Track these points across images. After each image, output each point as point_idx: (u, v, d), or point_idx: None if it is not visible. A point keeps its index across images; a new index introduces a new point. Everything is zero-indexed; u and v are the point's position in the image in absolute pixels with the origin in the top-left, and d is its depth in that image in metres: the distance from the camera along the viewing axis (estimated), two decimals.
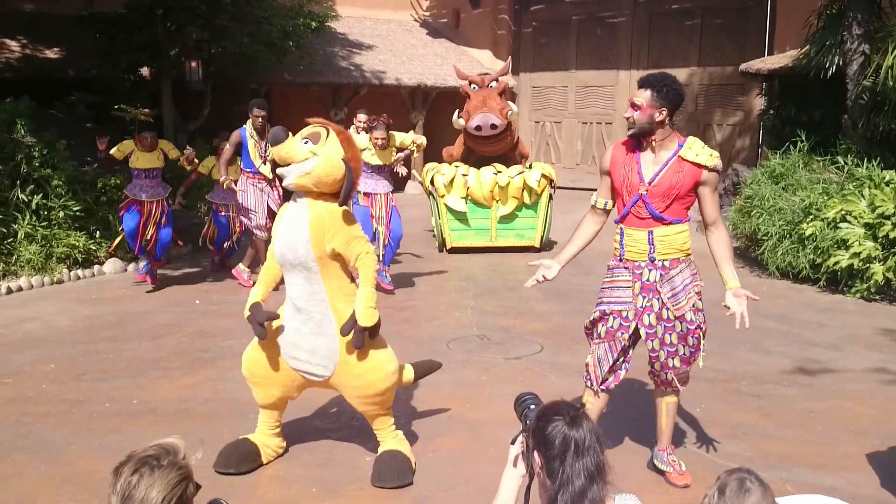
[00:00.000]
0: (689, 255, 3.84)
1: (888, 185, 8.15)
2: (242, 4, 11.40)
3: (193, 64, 11.74)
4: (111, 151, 7.98)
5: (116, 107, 9.47)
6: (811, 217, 8.49)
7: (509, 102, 10.42)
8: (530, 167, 10.77)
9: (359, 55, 15.86)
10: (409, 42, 17.62)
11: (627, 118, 3.78)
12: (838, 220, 8.18)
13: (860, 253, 7.89)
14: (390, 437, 4.17)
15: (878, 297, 7.90)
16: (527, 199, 10.41)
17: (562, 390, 5.22)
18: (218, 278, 8.93)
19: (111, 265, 9.08)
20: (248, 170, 8.23)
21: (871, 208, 8.04)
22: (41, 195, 8.83)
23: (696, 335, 3.82)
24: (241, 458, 4.18)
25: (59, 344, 6.46)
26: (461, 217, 10.43)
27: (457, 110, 10.58)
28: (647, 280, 3.79)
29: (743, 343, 6.49)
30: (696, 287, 3.82)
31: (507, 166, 10.55)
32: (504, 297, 8.21)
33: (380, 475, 3.98)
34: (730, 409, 5.06)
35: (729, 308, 3.69)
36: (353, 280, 4.00)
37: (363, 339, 3.81)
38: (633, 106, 3.73)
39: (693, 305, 3.79)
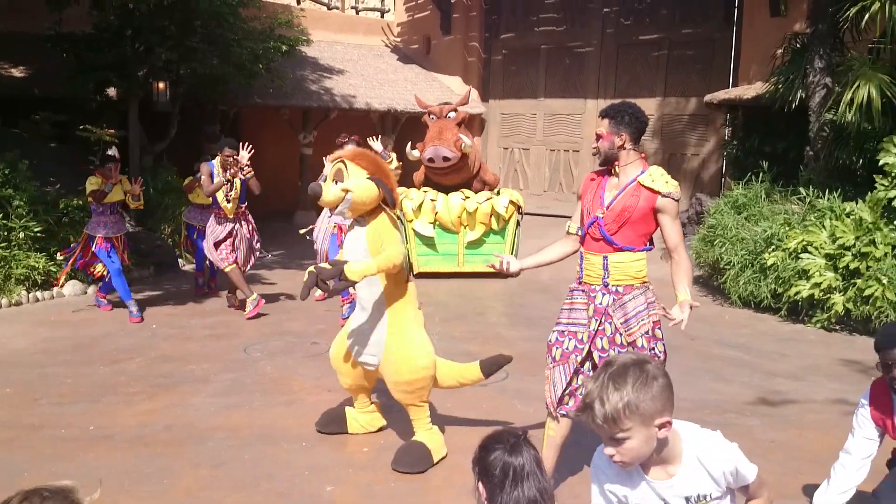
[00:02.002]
0: (644, 282, 3.88)
1: (849, 217, 8.29)
2: (212, 27, 11.36)
3: (161, 85, 11.66)
4: (92, 193, 7.86)
5: (81, 127, 9.39)
6: (773, 247, 8.61)
7: (463, 136, 10.30)
8: (498, 193, 10.82)
9: (329, 79, 15.88)
10: (379, 67, 17.68)
11: (594, 149, 3.89)
12: (799, 251, 8.31)
13: (821, 283, 8.01)
14: (423, 429, 4.65)
15: (837, 327, 8.02)
16: (494, 225, 10.46)
17: (526, 417, 5.21)
18: (180, 301, 8.83)
19: (71, 287, 8.94)
20: (213, 206, 8.23)
21: (831, 239, 8.18)
22: (1, 216, 8.69)
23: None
24: (329, 421, 5.08)
25: (16, 367, 6.33)
26: (429, 242, 10.43)
27: (410, 142, 10.65)
28: (600, 304, 3.84)
29: (705, 372, 6.54)
30: (651, 315, 3.83)
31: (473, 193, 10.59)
32: (471, 323, 8.20)
33: (396, 459, 4.52)
34: None
35: (673, 318, 3.70)
36: (408, 280, 4.59)
37: (333, 278, 4.27)
38: (597, 136, 3.85)
39: (647, 332, 3.80)
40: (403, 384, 4.54)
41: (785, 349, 7.36)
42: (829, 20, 9.58)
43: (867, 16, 9.07)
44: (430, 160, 10.15)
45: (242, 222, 8.31)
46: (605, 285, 3.84)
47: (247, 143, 8.28)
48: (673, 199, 3.79)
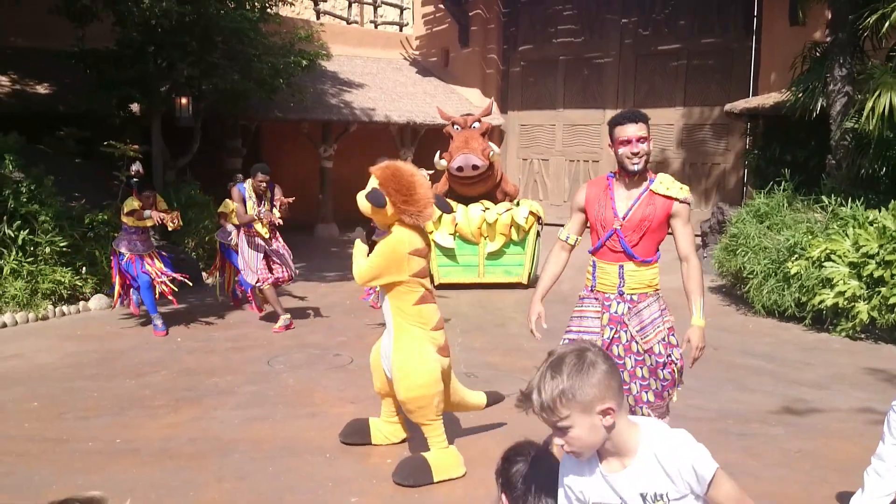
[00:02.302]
0: (657, 290, 3.89)
1: (872, 225, 8.23)
2: (233, 42, 11.48)
3: (184, 100, 11.79)
4: (130, 212, 7.91)
5: (105, 142, 9.50)
6: (796, 256, 8.55)
7: (490, 144, 10.43)
8: (518, 204, 10.83)
9: (349, 93, 15.99)
10: (398, 80, 17.78)
11: (637, 153, 3.76)
12: (823, 260, 8.25)
13: (845, 292, 7.94)
14: (434, 446, 4.61)
15: (862, 335, 7.94)
16: (514, 236, 10.46)
17: (547, 429, 5.20)
18: (203, 314, 8.90)
19: (96, 301, 9.04)
20: (247, 227, 8.28)
21: (855, 248, 8.11)
22: (28, 231, 8.80)
23: (670, 369, 3.83)
24: (352, 431, 5.10)
25: (43, 381, 6.40)
26: (449, 253, 10.46)
27: (438, 151, 10.66)
28: (616, 312, 3.86)
29: (729, 382, 6.50)
30: (665, 322, 3.85)
31: (495, 203, 10.62)
32: (492, 334, 8.20)
33: (396, 469, 4.55)
34: (716, 449, 5.00)
35: (690, 341, 3.70)
36: (421, 302, 4.56)
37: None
38: (641, 139, 3.76)
39: (663, 339, 3.81)
40: (403, 402, 4.57)
41: (809, 358, 7.30)
42: (848, 28, 9.53)
43: (887, 23, 9.02)
44: (460, 168, 10.16)
45: (273, 240, 8.37)
46: (621, 294, 3.86)
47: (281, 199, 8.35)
48: (688, 204, 3.83)
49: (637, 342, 3.80)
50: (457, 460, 4.64)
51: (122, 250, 7.98)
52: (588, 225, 4.01)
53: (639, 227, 3.80)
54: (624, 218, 3.81)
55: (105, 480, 4.43)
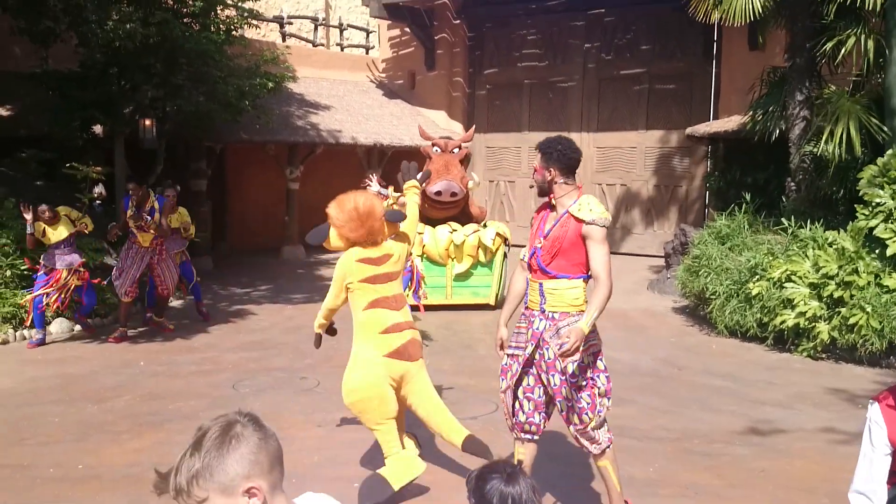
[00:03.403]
0: (582, 311, 3.90)
1: (831, 246, 8.39)
2: (198, 64, 11.43)
3: (147, 122, 11.71)
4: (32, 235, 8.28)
5: (68, 164, 9.39)
6: (757, 277, 8.69)
7: (471, 174, 10.51)
8: (485, 226, 10.88)
9: (315, 115, 15.98)
10: (365, 102, 17.82)
11: (532, 181, 4.14)
12: (783, 280, 8.39)
13: (805, 312, 8.08)
14: (386, 453, 4.61)
15: (823, 355, 8.07)
16: (482, 258, 10.50)
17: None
18: (167, 338, 8.80)
19: (57, 325, 8.88)
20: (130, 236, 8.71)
21: (815, 269, 8.26)
22: None
23: (589, 392, 3.87)
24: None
25: (2, 407, 6.28)
26: None
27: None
28: (537, 329, 3.95)
29: (693, 402, 6.57)
30: (588, 346, 3.87)
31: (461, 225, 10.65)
32: (460, 356, 8.21)
33: (359, 496, 4.46)
34: (681, 469, 5.10)
35: (569, 336, 3.67)
36: (371, 307, 4.69)
37: None
38: (534, 169, 4.08)
39: (581, 361, 3.84)
40: (347, 407, 4.75)
41: (772, 378, 7.40)
42: (806, 54, 9.77)
43: (844, 50, 9.28)
44: (438, 193, 10.17)
45: (159, 254, 8.83)
46: (543, 311, 3.96)
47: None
48: (597, 225, 3.85)
49: (559, 360, 3.85)
50: (410, 462, 4.62)
51: (45, 262, 8.34)
52: None
53: (552, 247, 3.92)
54: (545, 237, 3.96)
55: None
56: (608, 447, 3.97)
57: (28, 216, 8.15)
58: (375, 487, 4.48)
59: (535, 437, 4.10)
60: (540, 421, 4.05)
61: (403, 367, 4.66)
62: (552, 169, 3.95)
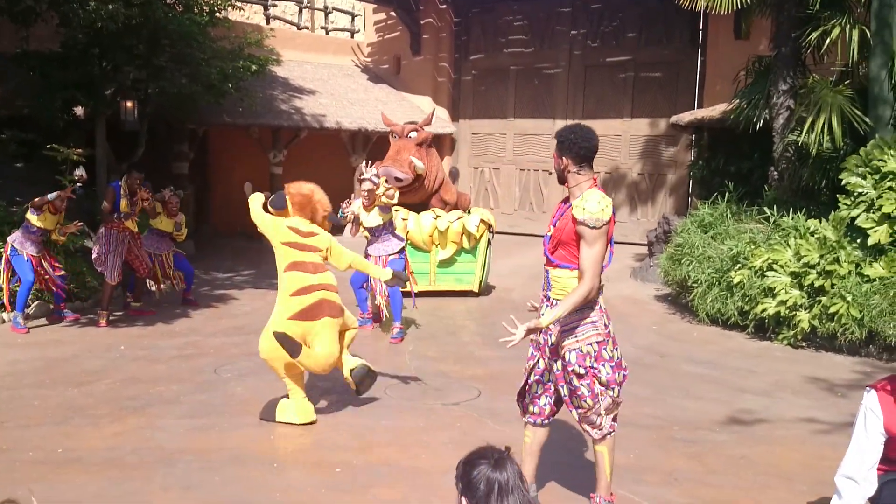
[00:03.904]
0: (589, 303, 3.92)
1: (812, 236, 8.45)
2: (181, 46, 11.29)
3: (129, 103, 11.58)
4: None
5: (49, 146, 9.28)
6: (739, 265, 8.73)
7: (413, 158, 10.11)
8: (469, 213, 10.86)
9: (299, 99, 15.87)
10: (350, 87, 17.72)
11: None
12: (765, 269, 8.44)
13: (787, 301, 8.14)
14: (290, 395, 5.62)
15: (804, 344, 8.14)
16: (466, 244, 10.49)
17: (500, 436, 5.23)
18: (148, 322, 8.74)
19: (37, 308, 8.80)
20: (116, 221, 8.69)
21: (796, 258, 8.32)
22: None
23: (588, 382, 3.90)
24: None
25: None
26: None
27: (366, 161, 10.60)
28: (542, 314, 4.00)
29: (675, 389, 6.61)
30: (594, 335, 3.91)
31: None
32: (443, 342, 8.21)
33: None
34: (664, 456, 5.13)
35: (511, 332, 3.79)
36: (290, 269, 5.61)
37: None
38: (553, 156, 4.10)
39: (580, 350, 3.90)
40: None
41: (753, 366, 7.46)
42: (791, 44, 9.80)
43: (828, 40, 9.31)
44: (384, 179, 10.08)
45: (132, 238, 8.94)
46: (548, 298, 4.03)
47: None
48: (587, 226, 3.81)
49: (558, 346, 3.96)
50: (302, 410, 5.56)
51: (16, 245, 8.30)
52: None
53: (555, 237, 4.00)
54: (553, 226, 4.02)
55: (47, 490, 4.32)
56: (609, 434, 4.00)
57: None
58: (269, 408, 5.66)
59: (540, 422, 4.17)
60: (545, 405, 4.13)
61: (304, 327, 5.45)
62: (565, 158, 3.94)
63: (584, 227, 3.81)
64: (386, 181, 8.75)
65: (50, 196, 8.25)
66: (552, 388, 4.10)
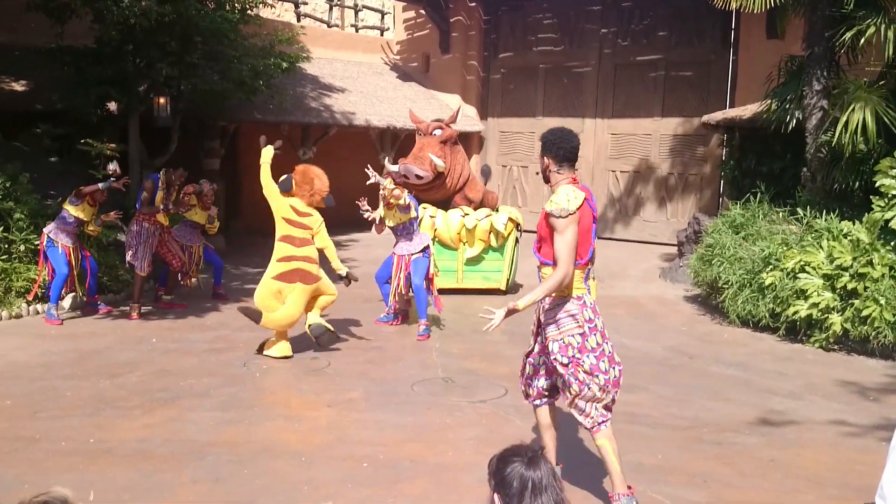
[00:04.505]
0: (564, 296, 4.13)
1: (846, 238, 8.34)
2: (213, 43, 11.39)
3: (162, 100, 11.70)
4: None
5: (83, 141, 9.41)
6: (771, 267, 8.64)
7: (432, 157, 10.04)
8: (497, 211, 10.85)
9: (329, 96, 15.95)
10: (379, 84, 17.77)
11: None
12: (797, 271, 8.34)
13: (819, 303, 8.04)
14: (275, 337, 7.22)
15: (836, 347, 8.04)
16: (493, 242, 10.48)
17: (526, 434, 5.24)
18: (180, 315, 8.84)
19: (71, 300, 8.93)
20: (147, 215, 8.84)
21: (829, 259, 8.22)
22: (2, 228, 8.69)
23: (572, 371, 4.08)
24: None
25: (16, 380, 6.33)
26: None
27: (387, 157, 10.66)
28: (539, 309, 4.29)
29: (703, 391, 6.56)
30: (570, 328, 4.09)
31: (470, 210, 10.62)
32: (469, 340, 8.21)
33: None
34: (691, 457, 5.10)
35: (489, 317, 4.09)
36: (281, 240, 7.25)
37: None
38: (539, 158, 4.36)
39: (562, 341, 4.10)
40: None
41: (783, 368, 7.38)
42: (824, 43, 9.67)
43: (863, 39, 9.17)
44: (404, 177, 10.12)
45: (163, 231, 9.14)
46: None
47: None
48: (553, 216, 4.03)
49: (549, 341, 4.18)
50: (284, 348, 7.14)
51: (52, 236, 8.40)
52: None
53: (537, 235, 4.26)
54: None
55: (78, 481, 4.38)
56: (601, 424, 4.10)
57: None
58: (255, 312, 7.00)
59: (539, 402, 4.44)
60: (539, 387, 4.39)
61: (279, 286, 7.05)
62: (547, 158, 4.21)
63: (553, 217, 4.03)
64: (395, 181, 8.85)
65: (101, 185, 8.46)
66: (543, 371, 4.36)
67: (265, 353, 7.14)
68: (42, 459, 4.76)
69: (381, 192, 8.30)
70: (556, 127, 4.30)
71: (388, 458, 4.91)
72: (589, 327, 4.08)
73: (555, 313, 4.12)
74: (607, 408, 4.12)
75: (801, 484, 4.72)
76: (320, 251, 7.35)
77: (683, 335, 8.66)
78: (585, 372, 4.04)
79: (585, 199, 4.10)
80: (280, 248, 7.14)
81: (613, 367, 4.11)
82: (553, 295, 4.11)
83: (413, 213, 8.40)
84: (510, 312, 4.02)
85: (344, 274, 7.49)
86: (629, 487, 4.12)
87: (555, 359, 4.10)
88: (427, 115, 14.27)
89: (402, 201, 8.19)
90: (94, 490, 4.28)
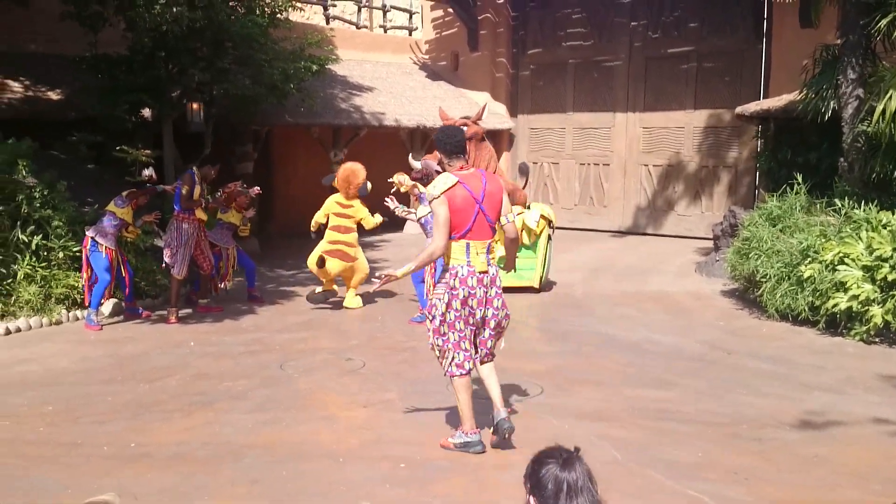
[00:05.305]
0: (447, 266, 4.89)
1: (885, 228, 8.18)
2: (244, 48, 11.50)
3: (195, 105, 11.83)
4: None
5: (118, 147, 9.55)
6: (809, 259, 8.51)
7: (410, 159, 10.29)
8: (529, 207, 10.81)
9: (359, 97, 16.01)
10: (408, 84, 17.80)
11: None
12: (836, 263, 8.20)
13: (859, 295, 7.90)
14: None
15: (877, 339, 7.89)
16: (526, 240, 10.44)
17: (562, 433, 5.22)
18: (216, 318, 8.93)
19: (109, 306, 9.06)
20: (186, 213, 8.89)
21: (868, 251, 8.07)
22: (41, 236, 8.84)
23: (428, 325, 5.05)
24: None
25: (57, 386, 6.44)
26: None
27: (410, 154, 10.76)
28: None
29: (742, 386, 6.48)
30: (438, 292, 4.91)
31: None
32: (504, 338, 8.17)
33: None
34: (729, 453, 5.03)
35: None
36: (330, 228, 9.49)
37: None
38: None
39: (431, 301, 5.01)
40: None
41: (823, 362, 7.26)
42: (859, 31, 9.49)
43: None
44: (419, 171, 10.13)
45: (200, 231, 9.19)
46: None
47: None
48: (429, 200, 4.83)
49: None
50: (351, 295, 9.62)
51: (98, 239, 8.52)
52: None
53: None
54: None
55: (119, 485, 4.44)
56: (454, 374, 4.95)
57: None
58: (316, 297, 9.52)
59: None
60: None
61: (325, 257, 9.11)
62: (439, 153, 4.99)
63: (429, 200, 4.81)
64: (410, 178, 9.33)
65: (159, 188, 9.12)
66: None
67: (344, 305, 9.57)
68: (83, 464, 4.83)
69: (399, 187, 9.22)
70: (444, 125, 5.14)
71: (424, 459, 4.92)
72: (451, 293, 4.79)
73: (440, 279, 4.93)
74: (457, 366, 4.89)
75: (843, 480, 4.64)
76: (359, 225, 9.53)
77: (720, 330, 8.56)
78: (435, 330, 4.89)
79: (459, 181, 4.75)
80: (329, 234, 9.36)
81: (445, 327, 4.85)
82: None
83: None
84: (388, 279, 4.87)
85: (379, 221, 9.57)
86: (476, 429, 4.92)
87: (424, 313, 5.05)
88: (457, 113, 14.24)
89: (416, 190, 8.98)
90: (134, 494, 4.34)
